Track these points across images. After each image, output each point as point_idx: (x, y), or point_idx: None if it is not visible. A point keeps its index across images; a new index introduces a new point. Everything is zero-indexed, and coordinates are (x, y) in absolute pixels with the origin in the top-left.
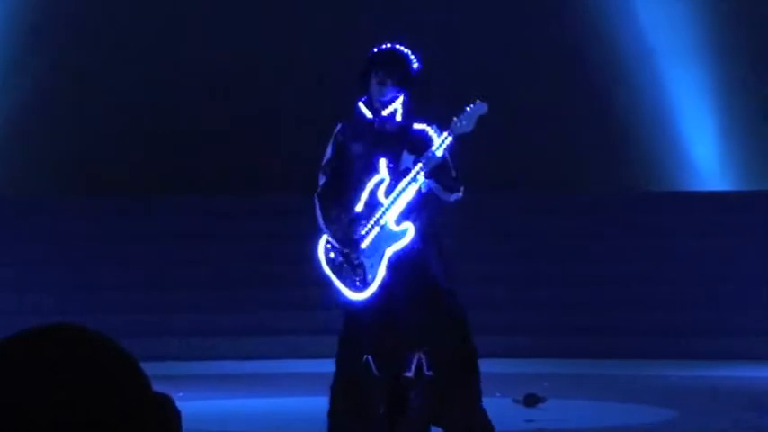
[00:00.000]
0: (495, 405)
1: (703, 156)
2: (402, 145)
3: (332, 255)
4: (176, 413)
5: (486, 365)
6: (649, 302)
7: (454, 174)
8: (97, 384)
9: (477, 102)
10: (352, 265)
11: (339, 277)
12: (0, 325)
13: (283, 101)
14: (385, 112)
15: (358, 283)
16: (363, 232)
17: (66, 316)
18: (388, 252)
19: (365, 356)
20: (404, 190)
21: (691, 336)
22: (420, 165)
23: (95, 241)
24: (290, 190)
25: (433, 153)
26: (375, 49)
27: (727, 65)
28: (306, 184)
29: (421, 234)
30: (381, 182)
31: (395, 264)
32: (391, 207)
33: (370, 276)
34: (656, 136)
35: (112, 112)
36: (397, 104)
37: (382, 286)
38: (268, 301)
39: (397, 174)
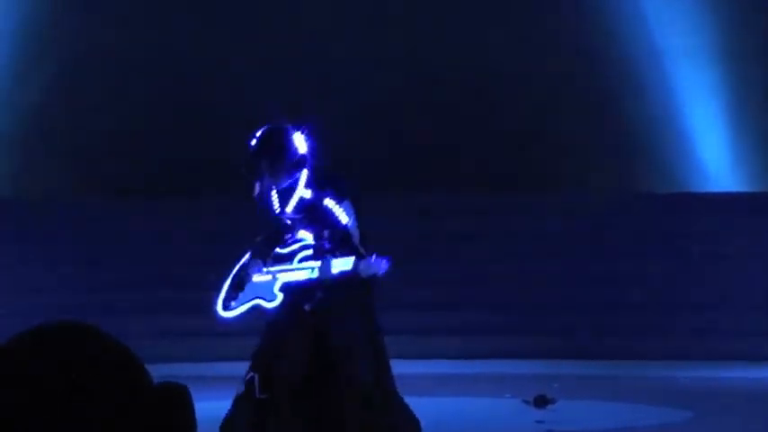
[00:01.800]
0: (506, 406)
1: (713, 157)
2: (318, 222)
3: (237, 281)
4: (183, 402)
5: (496, 366)
6: (661, 303)
7: (358, 250)
8: (98, 379)
9: (384, 261)
10: (240, 287)
11: (227, 290)
12: (3, 326)
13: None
14: (289, 209)
15: (233, 303)
16: (264, 270)
17: (67, 316)
18: (254, 301)
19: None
20: (302, 268)
21: (702, 337)
22: (316, 270)
23: (95, 242)
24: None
25: (330, 270)
26: (256, 137)
27: (738, 66)
28: None
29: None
30: (306, 248)
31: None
32: (288, 272)
33: (233, 304)
34: (667, 137)
35: (112, 111)
36: (300, 189)
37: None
38: None
39: (317, 250)
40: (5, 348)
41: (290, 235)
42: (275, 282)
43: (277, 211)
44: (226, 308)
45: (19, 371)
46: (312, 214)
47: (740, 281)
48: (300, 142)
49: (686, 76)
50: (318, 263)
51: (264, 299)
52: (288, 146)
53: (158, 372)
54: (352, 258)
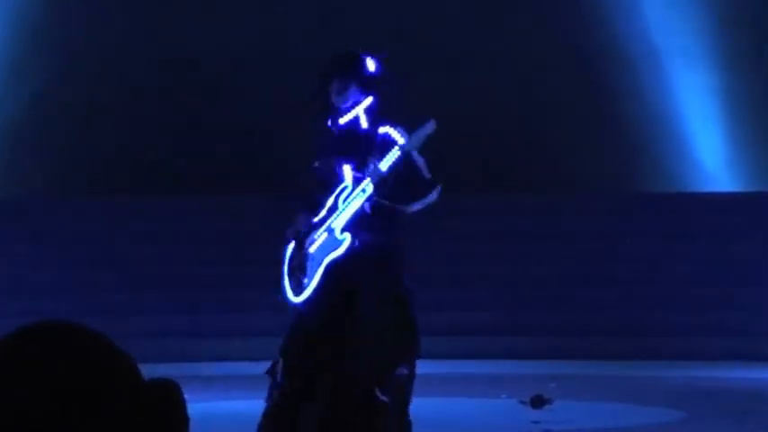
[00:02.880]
0: (502, 406)
1: (710, 157)
2: (366, 151)
3: (294, 264)
4: (175, 399)
5: (492, 367)
6: (656, 303)
7: (426, 177)
8: (87, 377)
9: (427, 123)
10: (301, 269)
11: (290, 278)
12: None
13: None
14: (343, 120)
15: (304, 281)
16: (316, 236)
17: (66, 318)
18: (326, 260)
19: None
20: (354, 199)
21: (698, 336)
22: (367, 179)
23: (94, 242)
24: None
25: (377, 167)
26: (330, 56)
27: (735, 66)
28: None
29: (368, 249)
30: (345, 188)
31: (329, 272)
32: (340, 214)
33: (306, 280)
34: (663, 137)
35: (109, 112)
36: (359, 110)
37: (324, 297)
38: (274, 303)
39: (357, 181)
40: None
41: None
42: (333, 231)
43: (329, 126)
44: (300, 291)
45: (4, 372)
46: (361, 144)
47: (739, 281)
48: (371, 66)
49: (684, 77)
50: (367, 179)
51: (333, 250)
52: (357, 65)
53: (154, 372)
54: (396, 148)
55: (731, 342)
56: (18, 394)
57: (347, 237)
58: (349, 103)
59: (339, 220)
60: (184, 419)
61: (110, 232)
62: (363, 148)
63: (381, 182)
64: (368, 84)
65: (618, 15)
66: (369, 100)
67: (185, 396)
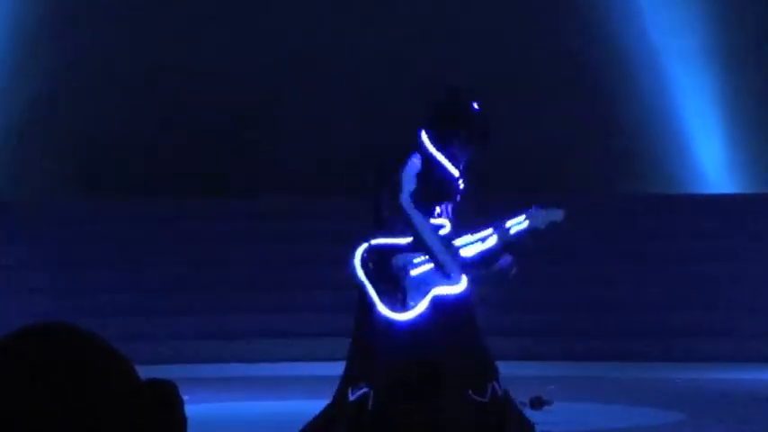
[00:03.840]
0: None
1: (710, 159)
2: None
3: (370, 264)
4: (172, 399)
5: None
6: (656, 305)
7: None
8: (84, 378)
9: (557, 210)
10: (395, 283)
11: (376, 288)
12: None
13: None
14: (457, 173)
15: (398, 303)
16: (417, 261)
17: (67, 319)
18: (434, 291)
19: (365, 388)
20: (469, 244)
21: (697, 338)
22: (496, 235)
23: (97, 243)
24: (295, 192)
25: (509, 228)
26: (473, 109)
27: (733, 66)
28: (308, 187)
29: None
30: (444, 227)
31: (438, 305)
32: (461, 251)
33: (412, 303)
34: (661, 138)
35: (114, 113)
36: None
37: (423, 322)
38: (276, 304)
39: (496, 227)
40: None
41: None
42: (446, 264)
43: (455, 176)
44: (402, 308)
45: (2, 373)
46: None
47: (738, 282)
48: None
49: (682, 77)
50: (495, 236)
51: (443, 284)
52: (473, 116)
53: (151, 374)
54: (525, 218)
55: (731, 343)
56: (16, 395)
57: (464, 279)
58: (467, 158)
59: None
60: (182, 420)
61: (104, 234)
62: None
63: (504, 243)
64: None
65: (616, 16)
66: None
67: (184, 397)
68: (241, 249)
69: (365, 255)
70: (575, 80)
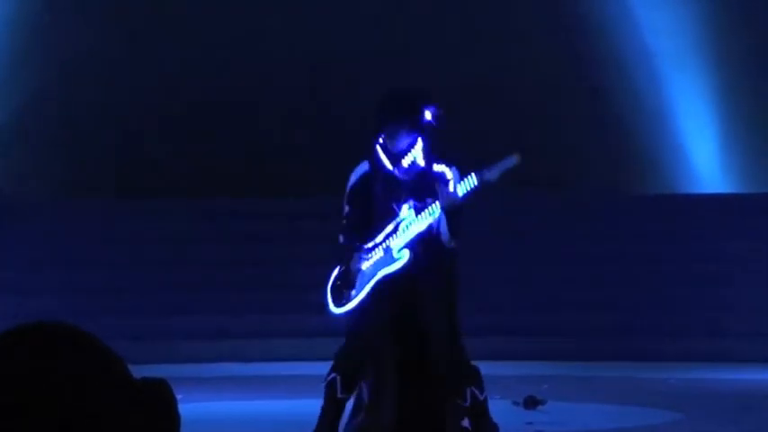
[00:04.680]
0: (495, 407)
1: (704, 159)
2: (424, 190)
3: (338, 283)
4: (166, 397)
5: (485, 368)
6: (650, 304)
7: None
8: (77, 377)
9: (509, 157)
10: (347, 284)
11: (332, 293)
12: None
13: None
14: (405, 163)
15: (343, 299)
16: (369, 256)
17: (66, 319)
18: (379, 273)
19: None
20: (417, 221)
21: (691, 338)
22: (438, 202)
23: (95, 243)
24: (302, 194)
25: (455, 192)
26: (387, 94)
27: (727, 67)
28: (317, 189)
29: (425, 268)
30: (404, 219)
31: (381, 284)
32: (402, 235)
33: (353, 293)
34: (656, 138)
35: (113, 114)
36: (417, 151)
37: (365, 304)
38: (271, 304)
39: (419, 210)
40: None
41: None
42: (390, 249)
43: (390, 168)
44: (343, 302)
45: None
46: (419, 183)
47: (732, 282)
48: (428, 114)
49: (677, 78)
50: (437, 203)
51: (387, 265)
52: (416, 114)
53: (142, 373)
54: (473, 176)
55: (726, 343)
56: (13, 393)
57: (405, 253)
58: (404, 146)
59: (398, 240)
60: (176, 418)
61: (98, 233)
62: (420, 188)
63: (453, 207)
64: (421, 130)
65: (611, 17)
66: (420, 143)
67: (177, 396)
68: (237, 250)
69: (337, 276)
70: (568, 81)
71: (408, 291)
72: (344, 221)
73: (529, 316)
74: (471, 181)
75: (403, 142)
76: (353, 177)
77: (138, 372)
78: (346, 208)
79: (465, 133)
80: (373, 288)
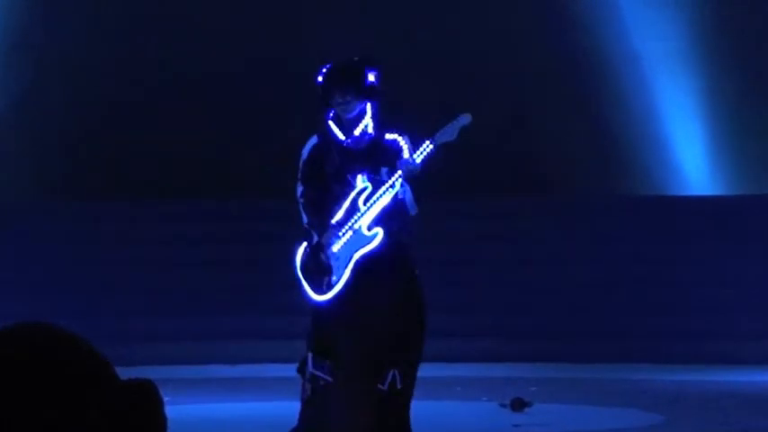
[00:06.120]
0: (482, 409)
1: (691, 160)
2: (377, 159)
3: (310, 266)
4: (153, 398)
5: (473, 370)
6: (637, 306)
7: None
8: (64, 379)
9: (461, 115)
10: (322, 268)
11: (307, 279)
12: None
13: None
14: (356, 132)
15: (324, 285)
16: (339, 236)
17: (50, 320)
18: (356, 255)
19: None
20: (381, 196)
21: (678, 340)
22: (399, 172)
23: (79, 244)
24: (270, 194)
25: (413, 160)
26: (329, 66)
27: (715, 69)
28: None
29: (395, 240)
30: (363, 190)
31: (362, 268)
32: (366, 212)
33: (334, 278)
34: (643, 140)
35: (96, 117)
36: (367, 119)
37: (348, 290)
38: (254, 306)
39: (378, 183)
40: None
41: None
42: (359, 229)
43: (342, 139)
44: (327, 289)
45: None
46: (371, 151)
47: (719, 284)
48: (371, 77)
49: (664, 80)
50: (398, 173)
51: (363, 246)
52: (359, 76)
53: (130, 375)
54: (428, 142)
55: (711, 345)
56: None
57: (379, 231)
58: (354, 113)
59: (365, 219)
60: (163, 419)
61: (84, 234)
62: (373, 157)
63: (413, 175)
64: (369, 92)
65: (598, 19)
66: (369, 111)
67: (164, 398)
68: (226, 251)
69: (305, 251)
70: (556, 82)
71: (391, 277)
72: (302, 200)
73: (515, 317)
74: (427, 147)
75: (353, 109)
76: (305, 153)
77: (125, 374)
78: (300, 187)
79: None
80: (354, 270)
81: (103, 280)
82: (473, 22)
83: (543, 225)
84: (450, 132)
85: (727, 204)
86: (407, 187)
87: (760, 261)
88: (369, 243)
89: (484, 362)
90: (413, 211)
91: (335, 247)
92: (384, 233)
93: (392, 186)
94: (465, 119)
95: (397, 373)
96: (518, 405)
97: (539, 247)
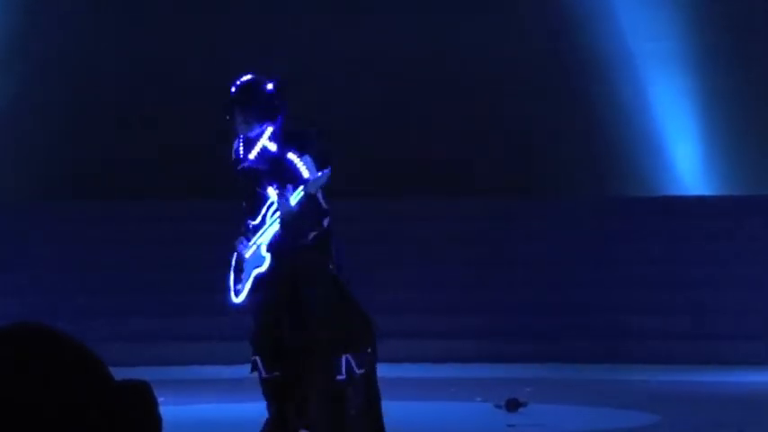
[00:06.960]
0: (477, 410)
1: (686, 161)
2: (280, 175)
3: (237, 268)
4: (147, 399)
5: (467, 370)
6: (631, 307)
7: (319, 159)
8: (56, 379)
9: (322, 171)
10: (237, 273)
11: (235, 281)
12: None
13: None
14: (251, 155)
15: (239, 286)
16: (251, 243)
17: (42, 320)
18: (254, 273)
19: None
20: (272, 222)
21: (673, 340)
22: (278, 213)
23: (78, 244)
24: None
25: (288, 203)
26: (231, 93)
27: (709, 70)
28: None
29: (289, 255)
30: (272, 204)
31: (258, 282)
32: (265, 231)
33: (240, 286)
34: (638, 141)
35: (97, 116)
36: (264, 140)
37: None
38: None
39: (283, 198)
40: None
41: (259, 202)
42: (260, 247)
43: (241, 158)
44: (237, 294)
45: None
46: (276, 168)
47: (713, 284)
48: (273, 94)
49: (658, 80)
50: (277, 214)
51: (258, 266)
52: (259, 94)
53: (122, 376)
54: (301, 187)
55: (706, 345)
56: None
57: (267, 258)
58: (256, 132)
59: (264, 237)
60: (157, 420)
61: (83, 235)
62: (275, 174)
63: (288, 216)
64: (267, 111)
65: (591, 18)
66: (269, 129)
67: (158, 399)
68: (226, 251)
69: (235, 263)
70: (549, 83)
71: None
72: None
73: (509, 318)
74: (300, 192)
75: (254, 131)
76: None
77: (125, 374)
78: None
79: (438, 139)
80: (253, 284)
81: (102, 280)
82: (464, 19)
83: (537, 226)
84: (315, 186)
85: (721, 205)
86: (310, 171)
87: (754, 262)
88: (261, 264)
89: (479, 362)
90: (317, 185)
91: (247, 254)
92: (271, 260)
93: (273, 222)
94: (324, 174)
95: (350, 357)
96: (513, 405)
97: (533, 248)
